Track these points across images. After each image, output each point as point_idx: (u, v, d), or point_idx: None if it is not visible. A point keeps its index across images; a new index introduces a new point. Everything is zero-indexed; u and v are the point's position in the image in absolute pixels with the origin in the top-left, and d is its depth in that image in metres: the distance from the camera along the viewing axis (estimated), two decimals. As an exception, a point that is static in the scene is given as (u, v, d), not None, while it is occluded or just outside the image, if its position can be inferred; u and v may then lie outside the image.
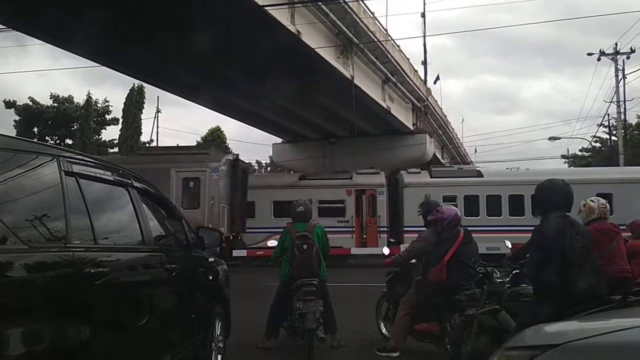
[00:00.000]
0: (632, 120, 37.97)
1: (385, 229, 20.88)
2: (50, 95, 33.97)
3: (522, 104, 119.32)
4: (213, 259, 5.46)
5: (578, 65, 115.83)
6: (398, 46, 23.39)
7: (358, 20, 18.11)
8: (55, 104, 33.41)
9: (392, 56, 21.76)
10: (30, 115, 32.61)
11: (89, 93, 32.76)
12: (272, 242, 7.12)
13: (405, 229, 19.73)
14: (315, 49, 16.51)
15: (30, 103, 32.82)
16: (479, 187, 20.49)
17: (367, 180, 21.53)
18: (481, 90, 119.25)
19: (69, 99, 34.15)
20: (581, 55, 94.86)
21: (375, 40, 19.77)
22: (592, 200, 5.52)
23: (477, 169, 21.87)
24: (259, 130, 29.44)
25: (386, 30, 21.73)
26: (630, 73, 32.51)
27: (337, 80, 18.58)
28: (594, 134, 39.92)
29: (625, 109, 30.02)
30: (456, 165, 22.61)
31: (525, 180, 19.13)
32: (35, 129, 32.97)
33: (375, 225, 20.93)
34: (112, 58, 17.55)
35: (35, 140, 3.22)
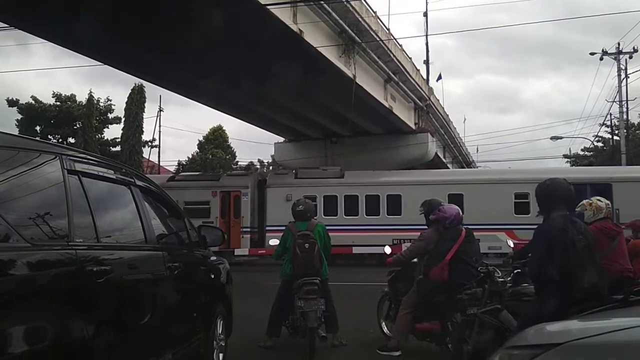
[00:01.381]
0: (634, 119, 38.01)
1: (248, 229, 21.59)
2: (53, 94, 34.04)
3: (524, 104, 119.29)
4: (215, 258, 5.47)
5: (578, 64, 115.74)
6: (400, 45, 23.37)
7: (360, 19, 18.08)
8: (58, 103, 33.44)
9: (394, 55, 21.74)
10: (33, 114, 32.64)
11: (91, 92, 32.68)
12: (274, 242, 7.11)
13: (268, 228, 20.65)
14: (317, 48, 16.50)
15: (33, 102, 32.85)
16: (338, 187, 21.35)
17: (233, 182, 22.60)
18: (482, 89, 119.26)
19: (72, 98, 34.16)
20: (581, 55, 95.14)
21: (378, 39, 19.74)
22: (599, 200, 5.48)
23: (340, 170, 22.54)
24: (261, 129, 29.47)
25: (388, 29, 21.70)
26: (633, 72, 32.45)
27: (339, 79, 18.56)
28: (596, 134, 39.93)
29: (627, 108, 30.01)
30: (327, 167, 23.25)
31: (381, 182, 21.24)
32: (38, 128, 32.99)
33: (238, 226, 21.57)
34: (113, 56, 17.52)
35: (37, 138, 3.22)
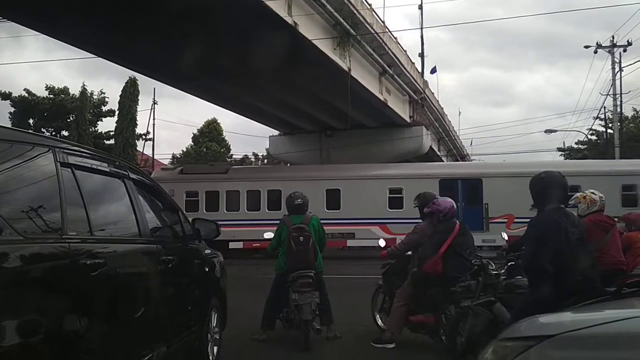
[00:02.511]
0: (628, 113, 38.12)
1: None
2: (46, 86, 33.74)
3: (517, 97, 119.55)
4: (209, 251, 5.47)
5: (571, 58, 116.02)
6: (395, 38, 23.32)
7: (355, 11, 18.03)
8: (51, 96, 33.19)
9: (389, 48, 21.70)
10: (26, 107, 32.36)
11: (84, 85, 32.45)
12: (269, 235, 7.10)
13: None
14: (312, 41, 16.45)
15: (26, 94, 32.61)
16: (221, 183, 21.47)
17: None
18: (476, 83, 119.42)
19: (65, 91, 33.91)
20: (574, 49, 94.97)
21: (373, 32, 19.70)
22: (593, 193, 5.50)
23: (226, 166, 22.90)
24: (256, 122, 29.41)
25: (383, 22, 21.67)
26: (628, 65, 32.46)
27: (334, 72, 18.52)
28: (590, 127, 40.04)
29: (621, 101, 30.10)
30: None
31: (262, 177, 21.92)
32: (31, 121, 32.72)
33: None
34: (106, 49, 17.44)
35: (30, 131, 3.21)
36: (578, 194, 5.50)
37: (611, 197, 17.69)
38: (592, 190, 5.60)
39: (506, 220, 18.77)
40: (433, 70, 38.45)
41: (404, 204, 18.26)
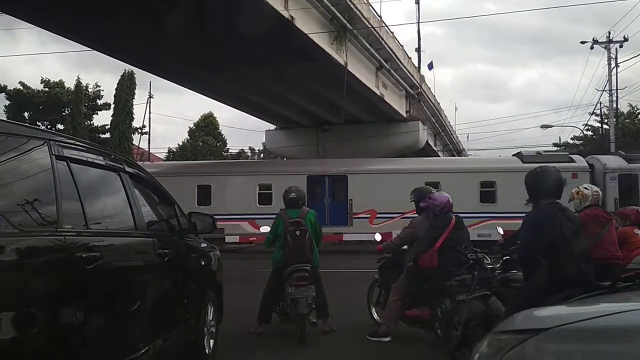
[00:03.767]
0: (623, 108, 38.21)
1: None
2: (41, 80, 33.61)
3: (512, 92, 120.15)
4: (205, 244, 5.47)
5: (566, 54, 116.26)
6: (392, 33, 23.31)
7: (352, 5, 17.98)
8: (46, 89, 33.05)
9: (386, 43, 21.66)
10: (21, 100, 32.24)
11: (79, 78, 32.34)
12: (265, 229, 7.11)
13: None
14: (309, 35, 16.40)
15: (21, 88, 32.46)
16: None
17: None
18: (471, 78, 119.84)
19: (60, 84, 33.77)
20: (569, 45, 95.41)
21: (369, 26, 19.66)
22: (585, 188, 5.54)
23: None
24: (253, 117, 29.35)
25: (380, 16, 21.63)
26: (624, 61, 32.54)
27: (331, 66, 18.48)
28: (585, 122, 40.15)
29: (617, 97, 30.13)
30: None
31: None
32: (26, 114, 32.62)
33: None
34: (101, 41, 17.33)
35: (26, 124, 3.19)
36: (573, 190, 5.53)
37: (470, 194, 18.55)
38: (585, 186, 5.62)
39: (369, 215, 19.26)
40: (430, 66, 38.47)
41: (272, 200, 18.36)
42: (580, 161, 19.96)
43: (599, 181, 19.20)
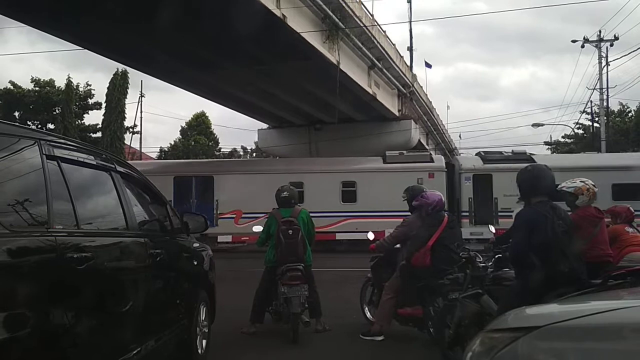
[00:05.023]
0: (614, 107, 38.46)
1: None
2: (32, 79, 33.32)
3: (503, 91, 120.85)
4: (198, 244, 5.45)
5: (555, 53, 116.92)
6: (384, 32, 23.31)
7: (344, 4, 17.95)
8: (37, 88, 32.80)
9: (378, 42, 21.66)
10: (11, 100, 31.95)
11: (69, 77, 32.12)
12: (258, 228, 7.08)
13: None
14: (301, 33, 16.37)
15: (11, 87, 32.20)
16: None
17: None
18: (461, 77, 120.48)
19: (51, 83, 33.53)
20: (558, 44, 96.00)
21: (361, 25, 19.65)
22: (594, 186, 5.34)
23: None
24: (245, 116, 29.27)
25: (372, 15, 21.61)
26: (614, 60, 32.84)
27: (323, 65, 18.47)
28: (576, 121, 40.36)
29: (607, 96, 30.33)
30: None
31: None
32: (17, 113, 32.36)
33: None
34: (91, 40, 17.21)
35: (16, 124, 3.16)
36: (580, 184, 5.22)
37: (332, 194, 19.16)
38: (593, 183, 5.36)
39: (234, 215, 19.61)
40: (429, 66, 38.69)
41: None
42: (439, 161, 20.53)
43: (455, 181, 19.97)
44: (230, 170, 21.04)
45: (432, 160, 20.30)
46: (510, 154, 20.56)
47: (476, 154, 21.62)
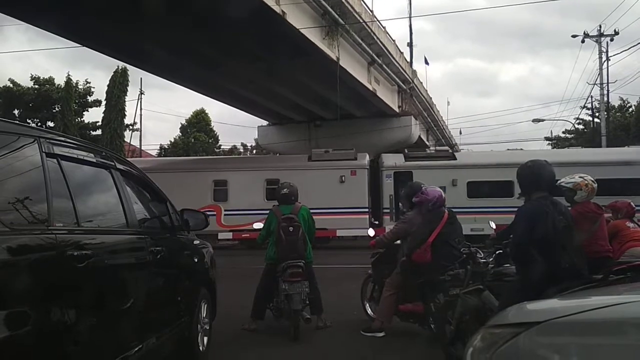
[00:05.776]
0: (614, 102, 38.43)
1: None
2: (31, 77, 33.28)
3: (502, 87, 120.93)
4: (198, 241, 5.45)
5: (555, 48, 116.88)
6: (384, 27, 23.28)
7: (343, 0, 17.94)
8: (36, 86, 32.77)
9: (377, 38, 21.64)
10: (11, 98, 31.93)
11: (69, 74, 32.07)
12: (258, 225, 7.08)
13: None
14: (301, 30, 16.35)
15: (11, 85, 32.17)
16: None
17: None
18: (461, 73, 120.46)
19: (50, 81, 33.49)
20: (557, 39, 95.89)
21: (361, 21, 19.62)
22: (593, 181, 5.31)
23: None
24: (245, 113, 29.24)
25: (372, 11, 21.58)
26: (614, 55, 32.83)
27: (323, 61, 18.46)
28: (577, 116, 40.34)
29: (608, 91, 30.30)
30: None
31: None
32: (16, 111, 32.34)
33: None
34: (90, 37, 17.18)
35: (16, 121, 3.15)
36: (579, 180, 5.20)
37: (257, 191, 19.01)
38: (592, 179, 5.32)
39: None
40: (425, 62, 38.73)
41: None
42: (362, 159, 20.68)
43: (377, 178, 20.20)
44: (153, 167, 20.16)
45: (355, 159, 20.57)
46: (433, 151, 21.16)
47: (401, 151, 21.95)
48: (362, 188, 19.95)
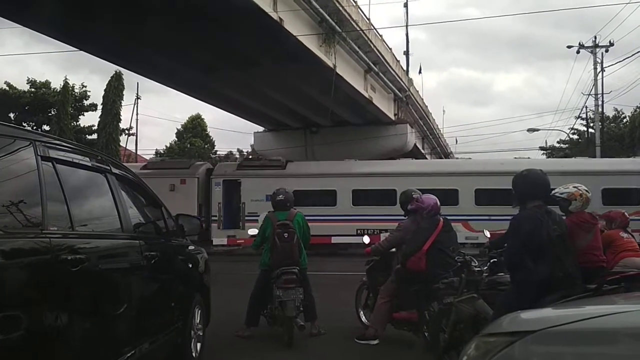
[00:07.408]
0: (609, 112, 38.65)
1: None
2: (27, 80, 33.18)
3: (497, 97, 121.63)
4: (193, 247, 5.43)
5: (548, 59, 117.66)
6: (380, 36, 23.38)
7: (341, 8, 18.01)
8: (32, 89, 32.68)
9: (374, 45, 21.72)
10: (7, 101, 31.83)
11: (66, 78, 31.97)
12: (253, 231, 7.07)
13: None
14: (298, 37, 16.40)
15: (7, 88, 32.07)
16: None
17: None
18: (455, 82, 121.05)
19: (46, 84, 33.40)
20: (550, 50, 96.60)
21: (358, 29, 19.70)
22: (587, 191, 5.30)
23: None
24: (241, 119, 29.25)
25: (369, 19, 21.68)
26: (609, 66, 33.04)
27: (320, 68, 18.49)
28: (571, 126, 40.52)
29: (602, 101, 30.47)
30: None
31: None
32: (12, 115, 32.21)
33: None
34: (86, 41, 17.15)
35: (11, 124, 3.13)
36: (573, 189, 5.06)
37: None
38: (586, 188, 5.30)
39: None
40: (419, 71, 38.91)
41: None
42: (194, 169, 21.17)
43: (207, 187, 20.51)
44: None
45: (187, 168, 21.15)
46: (266, 161, 21.57)
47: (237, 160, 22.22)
48: (191, 196, 20.24)
